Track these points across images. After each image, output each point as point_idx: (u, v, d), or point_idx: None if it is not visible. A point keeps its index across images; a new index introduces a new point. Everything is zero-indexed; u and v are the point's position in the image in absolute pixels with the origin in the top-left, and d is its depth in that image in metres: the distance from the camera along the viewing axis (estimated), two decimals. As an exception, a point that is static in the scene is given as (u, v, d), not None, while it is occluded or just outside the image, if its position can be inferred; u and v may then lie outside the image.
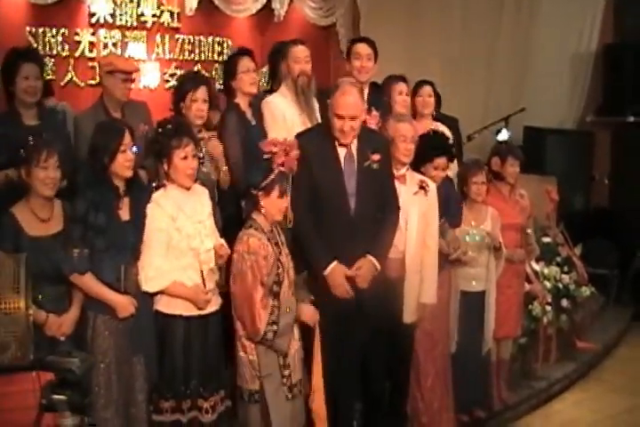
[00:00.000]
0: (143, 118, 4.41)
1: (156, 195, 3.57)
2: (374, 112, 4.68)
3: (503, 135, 7.19)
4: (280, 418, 3.61)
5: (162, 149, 3.56)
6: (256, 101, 4.71)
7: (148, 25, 7.70)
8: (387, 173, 4.04)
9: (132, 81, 4.49)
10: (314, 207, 3.85)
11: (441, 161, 4.45)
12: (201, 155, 3.95)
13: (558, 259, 6.12)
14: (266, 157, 3.71)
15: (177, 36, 7.92)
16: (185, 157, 3.54)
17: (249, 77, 4.56)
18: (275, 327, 3.53)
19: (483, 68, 8.44)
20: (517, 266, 5.03)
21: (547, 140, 7.78)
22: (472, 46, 8.41)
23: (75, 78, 7.23)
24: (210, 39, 8.16)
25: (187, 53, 8.01)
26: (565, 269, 6.11)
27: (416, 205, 4.19)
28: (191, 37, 8.00)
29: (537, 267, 5.74)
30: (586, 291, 6.14)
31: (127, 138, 3.49)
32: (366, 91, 4.86)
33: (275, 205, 3.64)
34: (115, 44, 7.49)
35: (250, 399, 3.64)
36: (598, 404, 5.51)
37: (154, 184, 3.71)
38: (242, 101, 4.59)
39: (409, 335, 4.33)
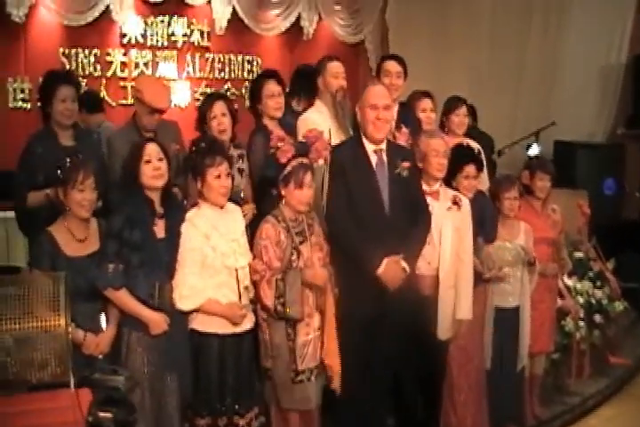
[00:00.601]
0: (174, 138, 4.45)
1: (190, 214, 3.62)
2: (404, 129, 4.72)
3: (534, 150, 7.19)
4: (286, 396, 3.80)
5: (195, 168, 3.61)
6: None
7: (179, 44, 7.89)
8: (416, 181, 4.15)
9: (162, 113, 4.46)
10: (352, 215, 3.93)
11: (470, 169, 4.48)
12: (234, 172, 4.00)
13: (591, 274, 6.07)
14: (272, 151, 3.83)
15: (207, 54, 8.12)
16: (218, 176, 3.60)
17: (273, 102, 4.57)
18: (282, 300, 3.66)
19: (511, 82, 8.46)
20: (550, 281, 5.00)
21: (577, 154, 7.74)
22: (500, 59, 8.45)
23: (107, 98, 7.40)
24: (240, 58, 8.35)
25: (217, 72, 8.20)
26: (598, 283, 6.05)
27: (449, 220, 4.22)
28: (221, 56, 8.20)
29: (569, 282, 5.70)
30: (619, 306, 6.07)
31: (153, 149, 3.55)
32: (395, 108, 4.89)
33: (293, 196, 3.77)
34: (146, 64, 7.68)
35: (265, 376, 3.84)
36: (632, 419, 5.43)
37: (185, 202, 3.78)
38: (269, 123, 4.61)
39: (443, 351, 4.34)
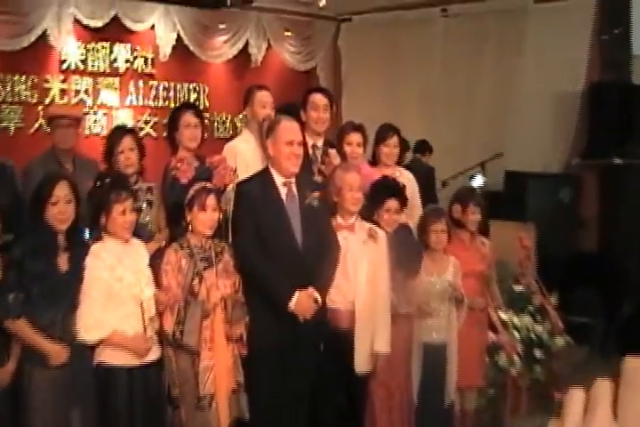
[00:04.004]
0: (92, 176, 4.62)
1: (95, 247, 3.90)
2: (331, 151, 5.10)
3: (478, 181, 7.50)
4: (190, 423, 4.03)
5: (101, 203, 3.90)
6: None
7: (121, 71, 8.14)
8: (325, 212, 4.50)
9: (75, 127, 4.99)
10: (263, 248, 4.23)
11: (392, 203, 4.77)
12: (142, 204, 4.37)
13: (531, 308, 6.34)
14: (172, 172, 4.17)
15: (151, 82, 8.39)
16: (123, 212, 3.90)
17: (189, 132, 4.87)
18: (181, 327, 3.96)
19: (463, 111, 8.85)
20: (478, 314, 5.28)
21: (529, 184, 7.99)
22: (452, 88, 8.85)
23: (45, 126, 7.57)
24: (185, 85, 8.65)
25: (161, 100, 8.47)
26: (538, 318, 6.33)
27: (365, 253, 4.53)
28: (166, 83, 8.49)
29: (505, 316, 5.98)
30: (560, 341, 6.34)
31: (62, 191, 3.82)
32: (320, 142, 5.24)
33: (198, 219, 4.11)
34: (86, 91, 7.90)
35: (172, 405, 4.06)
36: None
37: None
38: (185, 154, 4.83)
39: (361, 384, 4.61)
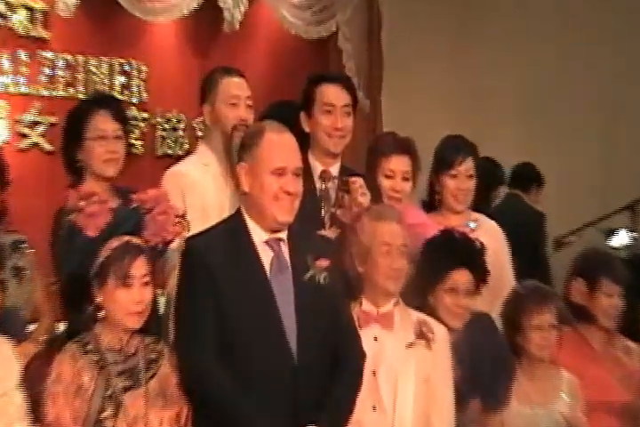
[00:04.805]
0: None
1: None
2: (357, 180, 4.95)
3: (621, 238, 7.41)
4: None
5: None
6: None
7: (-11, 32, 7.98)
8: (341, 291, 4.39)
9: None
10: (230, 356, 4.12)
11: (461, 277, 4.74)
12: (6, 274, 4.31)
13: None
14: (70, 217, 4.18)
15: (43, 53, 8.27)
16: None
17: (102, 148, 4.70)
18: None
19: (594, 116, 8.90)
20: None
21: None
22: (571, 78, 8.96)
23: None
24: (105, 61, 8.60)
25: (62, 86, 8.38)
26: None
27: (411, 365, 4.44)
28: (69, 57, 8.39)
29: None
30: None
31: None
32: (336, 168, 5.22)
33: (115, 301, 4.05)
34: None
35: None
36: None
37: None
38: (95, 185, 4.70)
39: None
